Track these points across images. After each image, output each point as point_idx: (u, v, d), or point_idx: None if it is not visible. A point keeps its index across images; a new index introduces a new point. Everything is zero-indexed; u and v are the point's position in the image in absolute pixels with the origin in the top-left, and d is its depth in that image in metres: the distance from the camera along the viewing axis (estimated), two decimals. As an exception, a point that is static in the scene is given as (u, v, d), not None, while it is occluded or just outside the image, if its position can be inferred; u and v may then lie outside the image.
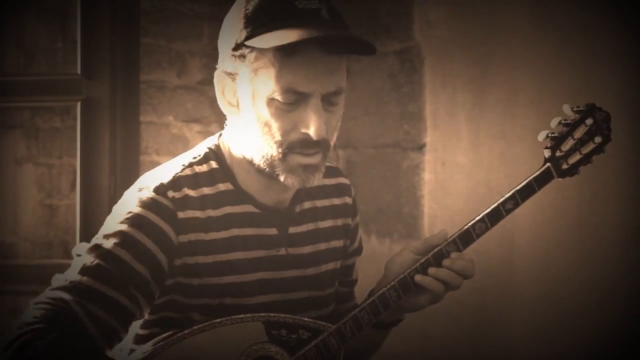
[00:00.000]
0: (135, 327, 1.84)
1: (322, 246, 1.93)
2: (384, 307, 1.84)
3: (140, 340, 1.84)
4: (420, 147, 3.18)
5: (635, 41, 3.04)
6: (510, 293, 3.12)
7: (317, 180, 1.81)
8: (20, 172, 3.74)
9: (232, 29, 1.78)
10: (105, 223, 1.79)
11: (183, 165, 1.83)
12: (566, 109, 1.86)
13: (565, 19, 3.08)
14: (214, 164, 1.84)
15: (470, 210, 3.13)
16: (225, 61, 1.79)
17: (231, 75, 1.78)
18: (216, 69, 1.82)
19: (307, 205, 1.93)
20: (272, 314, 1.81)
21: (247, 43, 1.74)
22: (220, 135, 1.89)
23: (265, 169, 1.79)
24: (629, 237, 3.05)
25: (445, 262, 1.84)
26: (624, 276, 3.05)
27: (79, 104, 3.12)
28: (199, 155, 1.85)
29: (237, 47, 1.76)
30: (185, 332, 1.77)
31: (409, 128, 3.19)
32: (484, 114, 3.14)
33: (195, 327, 1.77)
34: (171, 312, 1.81)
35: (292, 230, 1.89)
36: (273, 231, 1.87)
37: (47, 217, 3.74)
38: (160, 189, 1.78)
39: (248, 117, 1.78)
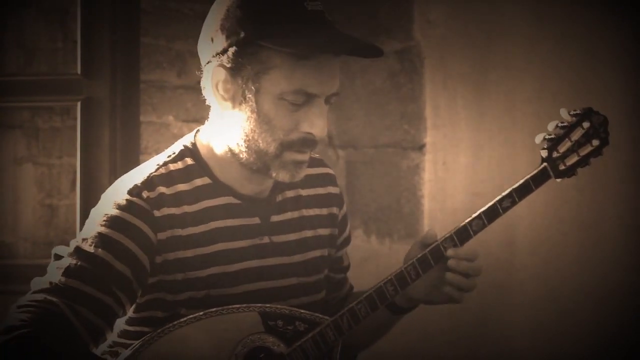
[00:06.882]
0: (120, 323, 1.86)
1: (309, 233, 1.96)
2: (381, 300, 1.87)
3: (126, 335, 1.86)
4: (420, 147, 3.18)
5: (635, 41, 3.04)
6: (511, 292, 3.12)
7: (303, 174, 1.84)
8: (20, 172, 3.73)
9: (234, 22, 1.77)
10: (84, 226, 1.81)
11: (157, 164, 1.85)
12: (563, 112, 1.89)
13: (565, 19, 3.08)
14: (189, 161, 1.86)
15: (470, 210, 3.12)
16: (226, 55, 1.77)
17: (231, 70, 1.78)
18: (209, 62, 1.81)
19: (290, 194, 1.95)
20: (267, 305, 1.83)
21: (263, 42, 1.74)
22: (198, 131, 1.92)
23: (255, 163, 1.81)
24: (629, 237, 3.05)
25: (451, 262, 1.88)
26: (623, 276, 3.05)
27: (79, 104, 3.12)
28: (174, 154, 1.88)
29: (246, 43, 1.75)
30: (181, 320, 1.78)
31: (409, 128, 3.19)
32: (484, 114, 3.14)
33: (191, 316, 1.78)
34: (157, 311, 1.83)
35: (275, 218, 1.91)
36: (256, 220, 1.88)
37: (47, 217, 3.73)
38: (134, 190, 1.80)
39: (246, 112, 1.79)
